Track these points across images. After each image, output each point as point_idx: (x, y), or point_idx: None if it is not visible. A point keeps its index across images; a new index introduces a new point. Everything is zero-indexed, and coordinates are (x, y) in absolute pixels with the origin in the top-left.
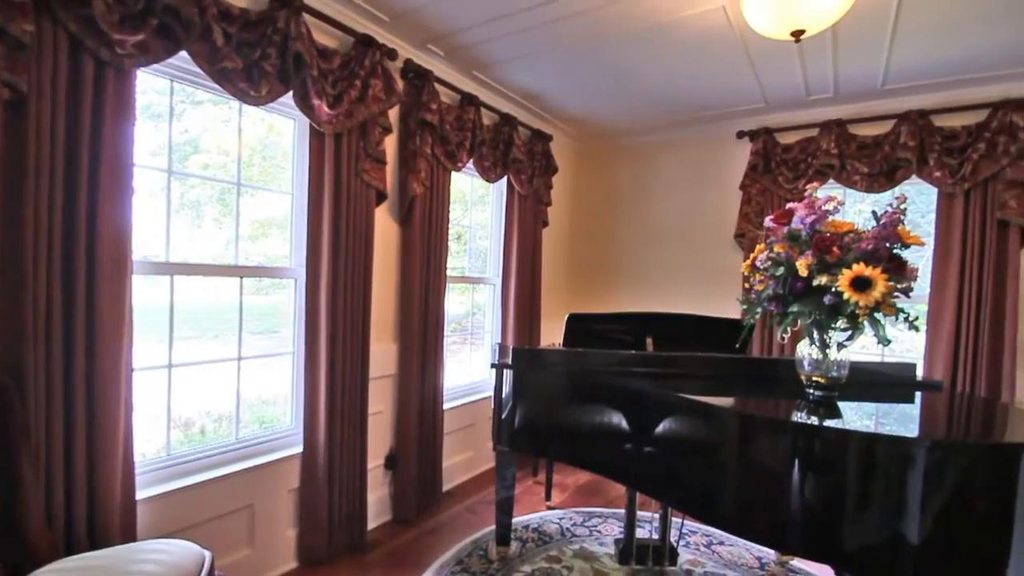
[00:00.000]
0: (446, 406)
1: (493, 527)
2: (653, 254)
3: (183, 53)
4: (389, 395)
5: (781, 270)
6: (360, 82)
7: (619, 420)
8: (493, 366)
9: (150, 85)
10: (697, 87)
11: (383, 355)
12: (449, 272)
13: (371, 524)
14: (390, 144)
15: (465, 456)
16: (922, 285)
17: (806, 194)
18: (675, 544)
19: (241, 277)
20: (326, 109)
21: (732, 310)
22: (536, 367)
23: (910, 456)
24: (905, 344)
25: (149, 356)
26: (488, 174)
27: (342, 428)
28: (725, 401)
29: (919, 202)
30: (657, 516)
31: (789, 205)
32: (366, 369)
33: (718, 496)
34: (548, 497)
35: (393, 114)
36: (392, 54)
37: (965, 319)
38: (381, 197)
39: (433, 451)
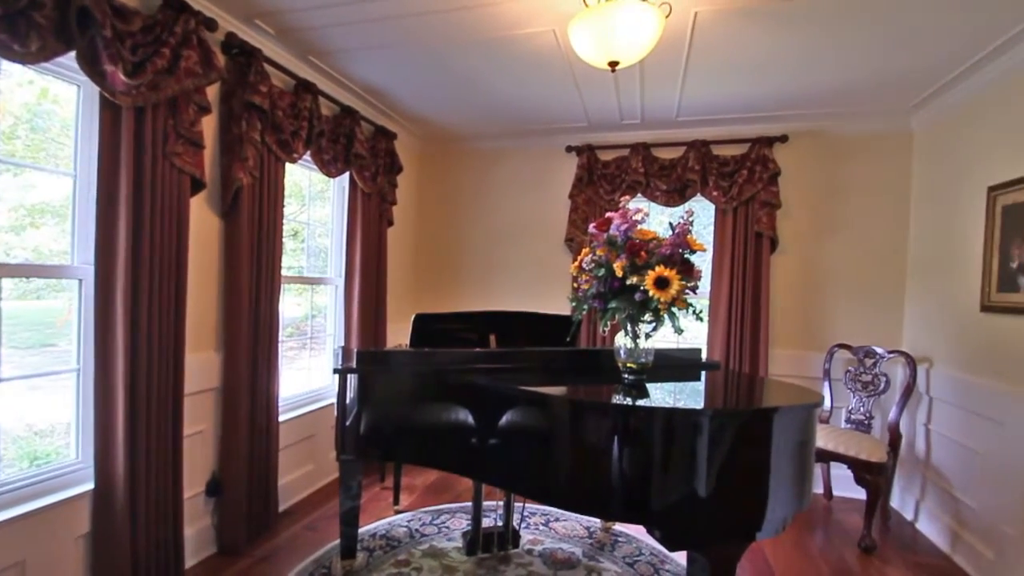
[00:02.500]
0: (282, 418)
1: (338, 541)
2: (495, 255)
3: None
4: (211, 411)
5: (603, 271)
6: (169, 51)
7: (465, 416)
8: (336, 371)
9: None
10: (533, 102)
11: (203, 366)
12: (285, 272)
13: (190, 561)
14: (209, 126)
15: (305, 470)
16: (704, 284)
17: (620, 205)
18: (518, 528)
19: None
20: (123, 77)
21: (563, 307)
22: (382, 369)
23: (699, 424)
24: (693, 332)
25: None
26: (328, 168)
27: (148, 455)
28: (558, 390)
29: (702, 216)
30: (502, 504)
31: (608, 214)
32: (180, 383)
33: (554, 477)
34: (396, 501)
35: (213, 93)
36: (211, 24)
37: (735, 311)
38: (198, 185)
39: (267, 469)
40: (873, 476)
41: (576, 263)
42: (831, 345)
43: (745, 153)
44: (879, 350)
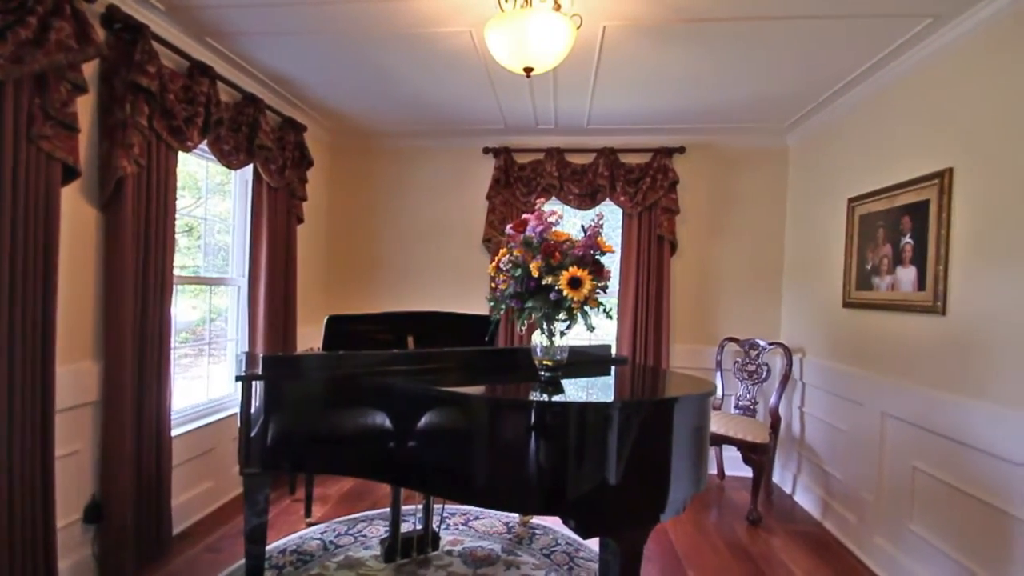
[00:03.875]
0: (176, 432)
1: (243, 562)
2: (412, 255)
3: None
4: (89, 428)
5: (519, 271)
6: (36, 20)
7: (382, 420)
8: (239, 378)
9: None
10: (451, 102)
11: (78, 378)
12: (179, 271)
13: None
14: (87, 108)
15: (204, 487)
16: (613, 284)
17: (536, 207)
18: (437, 529)
19: None
20: None
21: (482, 307)
22: (292, 375)
23: (609, 416)
24: (604, 329)
25: None
26: (229, 159)
27: (12, 482)
28: (477, 389)
29: (612, 219)
30: (421, 507)
31: (524, 216)
32: (49, 399)
33: (474, 477)
34: (308, 513)
35: (92, 71)
36: None
37: (640, 309)
38: (70, 173)
39: (158, 488)
40: (758, 456)
41: (494, 263)
42: (722, 339)
43: (648, 162)
44: (762, 342)
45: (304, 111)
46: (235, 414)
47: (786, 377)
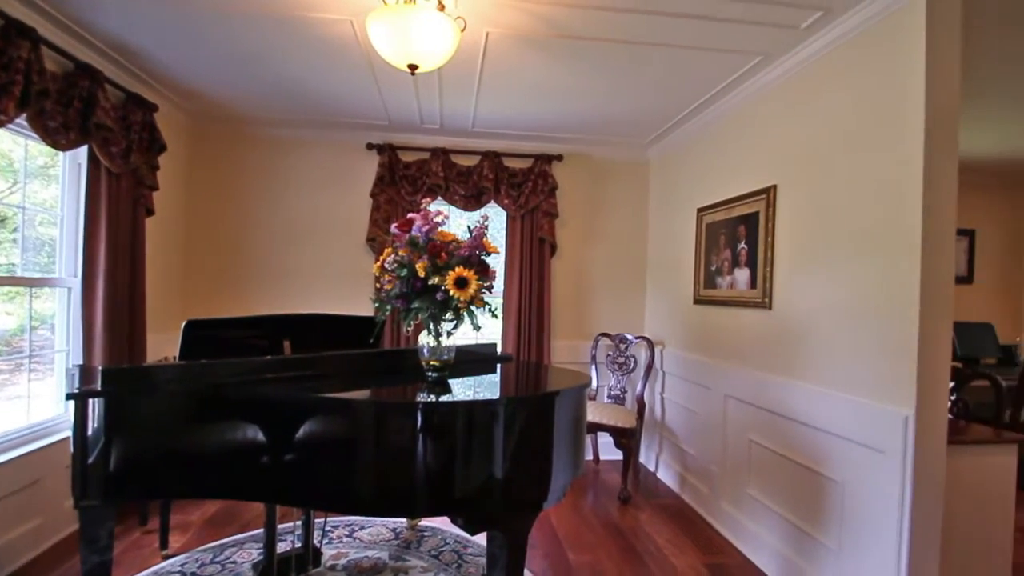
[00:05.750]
0: None
1: None
2: (289, 254)
3: None
4: None
5: (405, 271)
6: None
7: (254, 434)
8: (70, 396)
9: None
10: (331, 92)
11: None
12: None
13: None
14: None
15: (29, 526)
16: (499, 284)
17: (422, 207)
18: (319, 545)
19: None
20: None
21: (366, 308)
22: (141, 389)
23: (496, 413)
24: (490, 329)
25: None
26: (55, 138)
27: None
28: (362, 394)
29: (496, 221)
30: (300, 523)
31: (410, 215)
32: None
33: (360, 486)
34: (164, 545)
35: None
36: None
37: (524, 308)
38: None
39: None
40: (627, 440)
41: (379, 263)
42: (596, 334)
43: (530, 167)
44: (629, 336)
45: (156, 89)
46: (67, 438)
47: (649, 367)
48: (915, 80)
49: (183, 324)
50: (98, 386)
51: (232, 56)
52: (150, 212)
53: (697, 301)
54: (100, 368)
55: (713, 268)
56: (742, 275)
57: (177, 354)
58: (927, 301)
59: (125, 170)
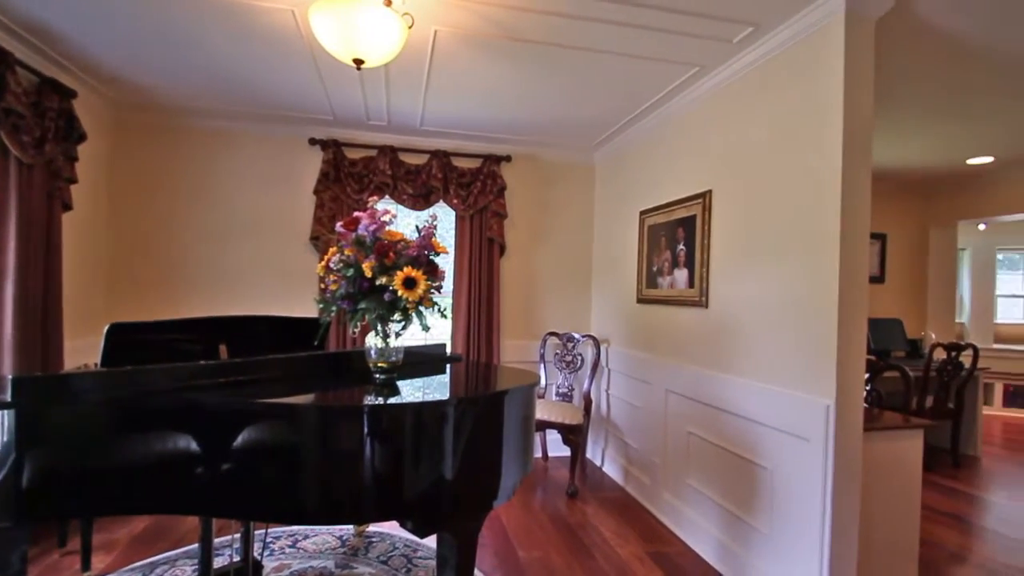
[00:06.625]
0: None
1: None
2: (226, 253)
3: None
4: None
5: (351, 271)
6: None
7: (187, 444)
8: None
9: None
10: (269, 83)
11: None
12: None
13: None
14: None
15: None
16: (448, 284)
17: (368, 205)
18: (259, 558)
19: None
20: None
21: (310, 309)
22: (58, 400)
23: (445, 414)
24: (439, 329)
25: None
26: None
27: None
28: (305, 398)
29: (445, 220)
30: (239, 536)
31: (356, 214)
32: None
33: (304, 494)
34: (87, 567)
35: None
36: None
37: (473, 308)
38: None
39: None
40: (575, 436)
41: (323, 263)
42: (544, 333)
43: (479, 167)
44: (576, 335)
45: (75, 74)
46: None
47: (596, 365)
48: (835, 95)
49: (106, 328)
50: (8, 397)
51: (162, 41)
52: (68, 207)
53: (640, 300)
54: (10, 377)
55: (655, 269)
56: (681, 275)
57: (99, 361)
58: (845, 299)
59: (39, 161)
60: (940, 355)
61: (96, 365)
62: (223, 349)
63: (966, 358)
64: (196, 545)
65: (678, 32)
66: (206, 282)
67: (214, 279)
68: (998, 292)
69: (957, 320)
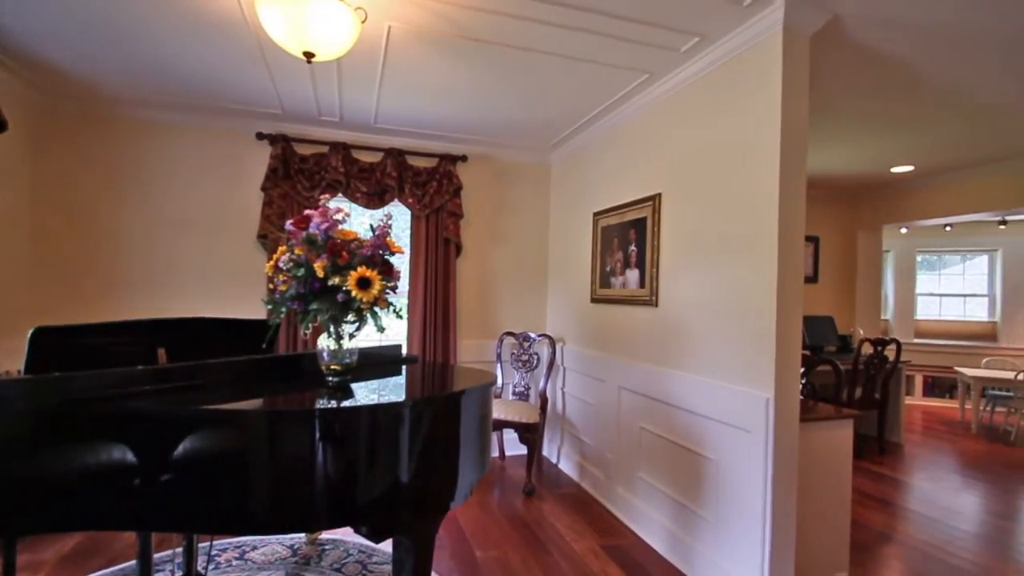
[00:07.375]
0: None
1: None
2: (164, 252)
3: None
4: None
5: (302, 271)
6: None
7: (122, 455)
8: None
9: None
10: (213, 74)
11: None
12: None
13: None
14: None
15: None
16: (403, 284)
17: (320, 203)
18: (204, 572)
19: None
20: None
21: (258, 310)
22: None
23: (401, 415)
24: (395, 330)
25: None
26: None
27: None
28: (252, 404)
29: (400, 220)
30: (181, 550)
31: (307, 212)
32: None
33: (253, 503)
34: None
35: None
36: None
37: (429, 308)
38: None
39: None
40: (531, 434)
41: (272, 262)
42: (501, 333)
43: (435, 167)
44: (532, 335)
45: None
46: None
47: (551, 363)
48: (774, 104)
49: (29, 332)
50: None
51: (98, 29)
52: None
53: (594, 300)
54: None
55: (608, 269)
56: (632, 275)
57: (22, 367)
58: (782, 298)
59: None
60: (867, 350)
61: (19, 372)
62: (162, 353)
63: (890, 352)
64: (133, 562)
65: (627, 39)
66: (144, 282)
67: (152, 279)
68: (918, 291)
69: (882, 317)
